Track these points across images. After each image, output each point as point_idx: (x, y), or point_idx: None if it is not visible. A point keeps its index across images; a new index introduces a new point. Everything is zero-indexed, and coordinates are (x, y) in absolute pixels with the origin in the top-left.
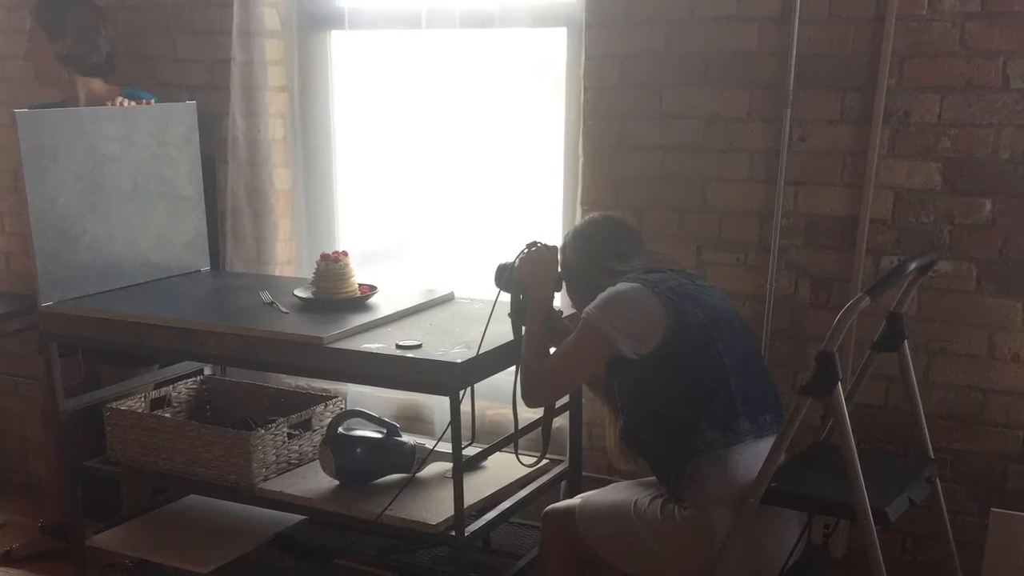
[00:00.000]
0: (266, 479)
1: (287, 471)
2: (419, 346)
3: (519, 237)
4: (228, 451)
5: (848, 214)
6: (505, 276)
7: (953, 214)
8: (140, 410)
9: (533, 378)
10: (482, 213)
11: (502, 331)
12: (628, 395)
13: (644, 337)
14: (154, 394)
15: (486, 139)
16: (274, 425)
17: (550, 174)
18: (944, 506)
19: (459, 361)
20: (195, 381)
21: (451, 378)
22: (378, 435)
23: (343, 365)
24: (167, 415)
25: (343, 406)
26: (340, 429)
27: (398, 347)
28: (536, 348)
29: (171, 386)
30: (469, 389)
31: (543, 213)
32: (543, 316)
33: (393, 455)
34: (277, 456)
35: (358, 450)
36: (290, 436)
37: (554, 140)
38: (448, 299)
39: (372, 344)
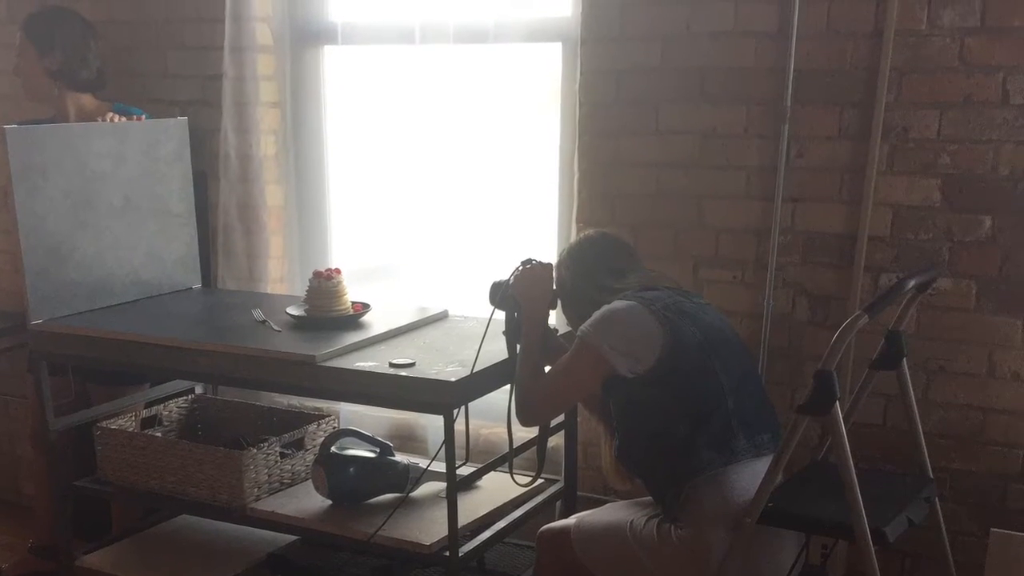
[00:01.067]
0: (258, 499)
1: (279, 491)
2: (412, 364)
3: (514, 254)
4: (219, 470)
5: (846, 231)
6: (499, 294)
7: (952, 231)
8: (130, 429)
9: (528, 397)
10: (476, 230)
11: (496, 349)
12: (624, 414)
13: (640, 356)
14: (145, 413)
15: (481, 155)
16: (266, 444)
17: (545, 191)
18: (943, 526)
19: (453, 380)
20: (186, 400)
21: (445, 397)
22: (371, 454)
23: (336, 384)
24: (158, 434)
25: (336, 425)
26: (333, 448)
27: (391, 365)
28: (531, 367)
29: (162, 405)
30: (463, 408)
31: (538, 230)
32: (538, 334)
33: (386, 475)
34: (269, 475)
35: (351, 470)
36: (282, 455)
37: (549, 156)
38: (442, 317)
39: (365, 362)
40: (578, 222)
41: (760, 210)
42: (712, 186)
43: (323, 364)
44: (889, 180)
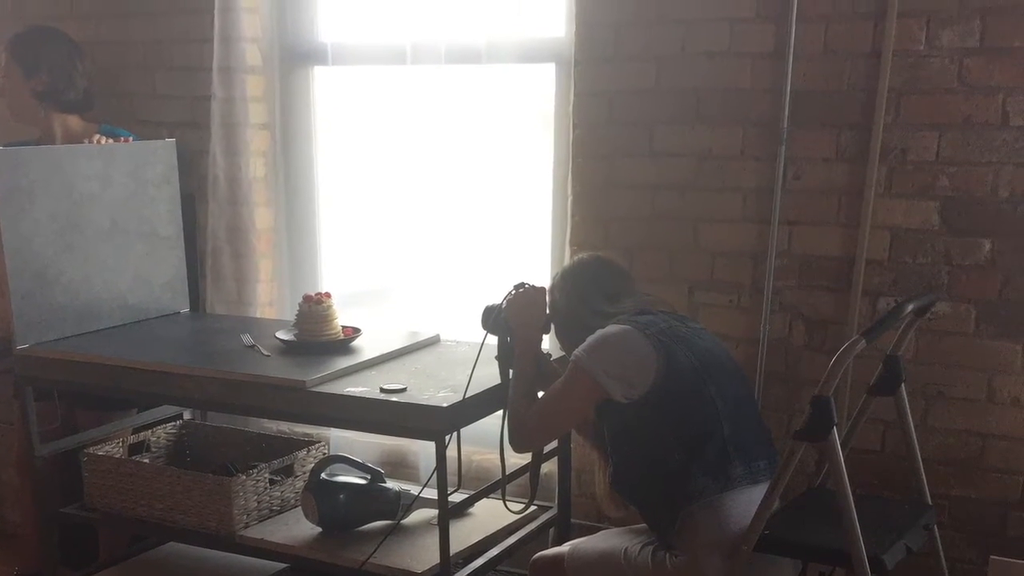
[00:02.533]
0: (247, 526)
1: (269, 518)
2: (404, 390)
3: (506, 278)
4: (208, 497)
5: (844, 254)
6: (492, 318)
7: (951, 254)
8: (118, 455)
9: (521, 422)
10: (469, 253)
11: (489, 374)
12: (618, 440)
13: (634, 381)
14: (132, 439)
15: (473, 178)
16: (255, 471)
17: (538, 213)
18: (943, 553)
19: (445, 405)
20: (175, 426)
21: (437, 423)
22: (362, 481)
23: (326, 409)
24: (146, 460)
25: (326, 451)
26: (323, 475)
27: (382, 391)
28: (524, 391)
29: (150, 431)
30: (455, 434)
31: (531, 253)
32: (531, 358)
33: (377, 501)
34: (259, 502)
35: (341, 497)
36: (272, 482)
37: (542, 178)
38: (433, 342)
39: (356, 388)
40: (571, 245)
41: (756, 233)
42: (708, 209)
43: (313, 389)
44: (887, 203)
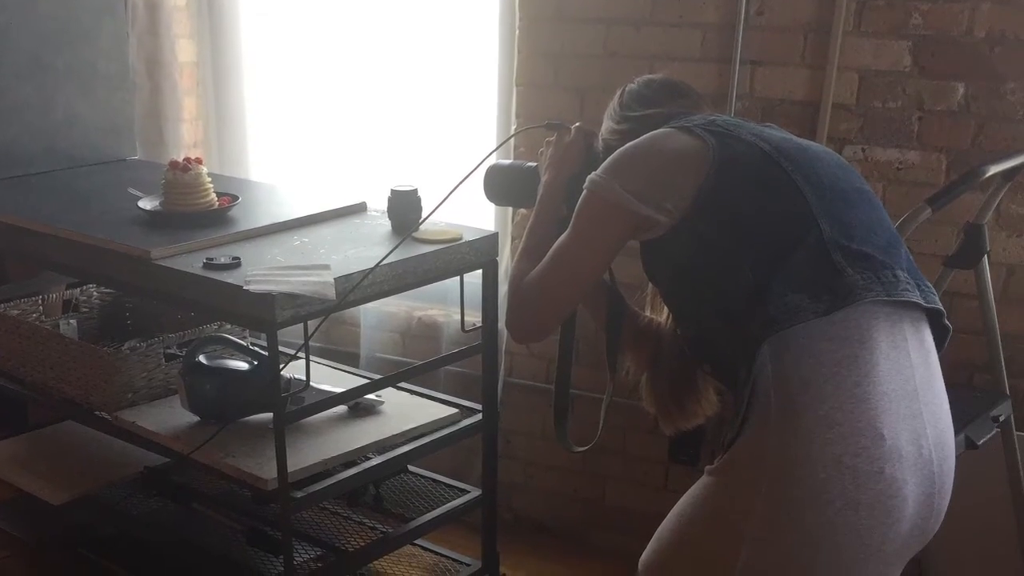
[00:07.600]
0: (133, 406)
1: (160, 398)
2: (235, 265)
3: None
4: (90, 370)
5: (809, 98)
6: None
7: (923, 99)
8: (34, 315)
9: (525, 294)
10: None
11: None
12: (673, 286)
13: (674, 188)
14: (67, 294)
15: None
16: (145, 345)
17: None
18: (1018, 453)
19: (276, 292)
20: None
21: (263, 311)
22: (241, 366)
23: (168, 286)
24: (72, 322)
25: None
26: (200, 357)
27: (205, 265)
28: (535, 248)
29: (79, 289)
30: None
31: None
32: (554, 208)
33: (256, 391)
34: (149, 380)
35: (210, 382)
36: (170, 357)
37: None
38: (355, 211)
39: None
40: (518, 85)
41: (716, 73)
42: (664, 46)
43: (158, 262)
44: (856, 42)
